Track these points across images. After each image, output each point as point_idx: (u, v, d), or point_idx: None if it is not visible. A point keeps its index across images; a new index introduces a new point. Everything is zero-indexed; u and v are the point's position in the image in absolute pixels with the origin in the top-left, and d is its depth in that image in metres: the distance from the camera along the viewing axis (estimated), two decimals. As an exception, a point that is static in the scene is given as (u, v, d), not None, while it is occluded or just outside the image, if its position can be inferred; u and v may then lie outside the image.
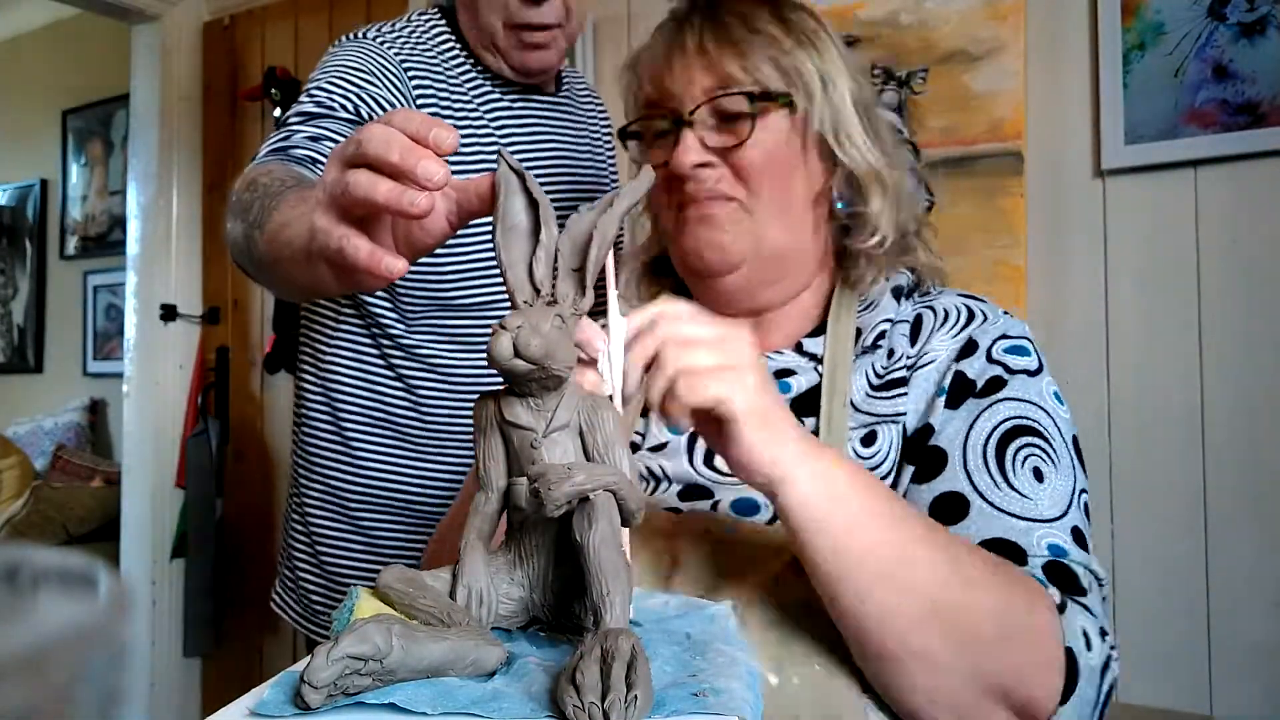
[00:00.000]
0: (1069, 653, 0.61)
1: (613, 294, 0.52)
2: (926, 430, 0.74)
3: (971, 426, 0.72)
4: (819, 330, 0.82)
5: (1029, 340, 0.79)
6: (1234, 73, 1.38)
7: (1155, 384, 1.43)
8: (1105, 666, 0.63)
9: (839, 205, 0.83)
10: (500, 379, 0.47)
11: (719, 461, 0.78)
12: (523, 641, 0.47)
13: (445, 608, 0.45)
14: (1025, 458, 0.71)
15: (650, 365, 0.57)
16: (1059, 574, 0.66)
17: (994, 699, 0.59)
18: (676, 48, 0.80)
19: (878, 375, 0.78)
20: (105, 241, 3.56)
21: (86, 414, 3.49)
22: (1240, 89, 1.37)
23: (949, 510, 0.69)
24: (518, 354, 0.44)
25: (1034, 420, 0.73)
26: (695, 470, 0.79)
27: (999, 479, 0.70)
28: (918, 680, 0.59)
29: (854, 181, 0.81)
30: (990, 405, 0.73)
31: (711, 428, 0.57)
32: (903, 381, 0.77)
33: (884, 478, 0.74)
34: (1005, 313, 0.81)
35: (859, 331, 0.80)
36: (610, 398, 0.52)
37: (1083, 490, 0.72)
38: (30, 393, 3.75)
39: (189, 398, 2.62)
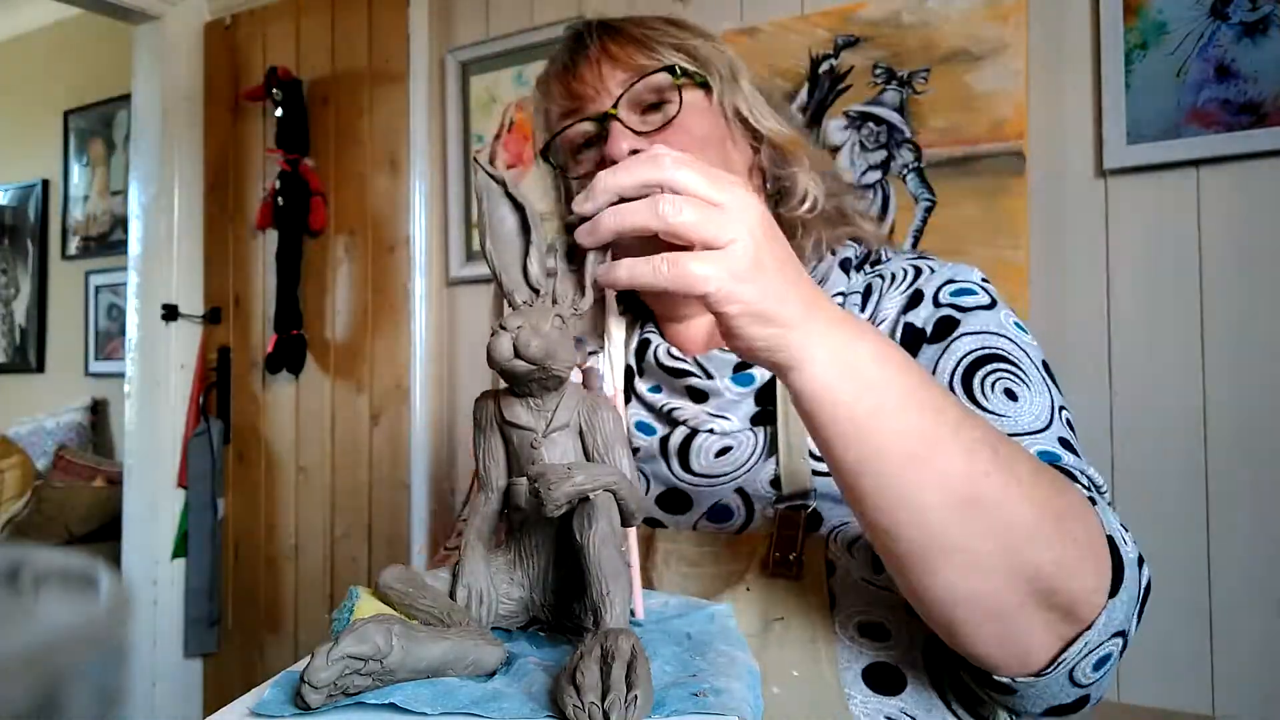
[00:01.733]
0: (1110, 542, 0.56)
1: (610, 293, 0.52)
2: None
3: (935, 369, 0.71)
4: None
5: (978, 283, 0.77)
6: (1236, 72, 1.38)
7: (1157, 384, 1.43)
8: (1140, 560, 0.59)
9: (766, 184, 0.84)
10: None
11: (695, 464, 0.78)
12: (522, 641, 0.47)
13: (445, 608, 0.45)
14: (994, 383, 0.68)
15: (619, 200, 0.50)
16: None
17: (1038, 599, 0.53)
18: (580, 56, 0.80)
19: None
20: (107, 241, 3.56)
21: (88, 414, 3.49)
22: (1243, 89, 1.37)
23: None
24: (518, 354, 0.44)
25: (996, 348, 0.71)
26: (674, 475, 0.79)
27: (970, 407, 0.66)
28: (956, 580, 0.52)
29: (777, 153, 0.82)
30: (948, 345, 0.71)
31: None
32: None
33: None
34: (957, 265, 0.81)
35: None
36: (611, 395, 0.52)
37: (1062, 407, 0.70)
38: (32, 392, 3.75)
39: (190, 398, 2.62)
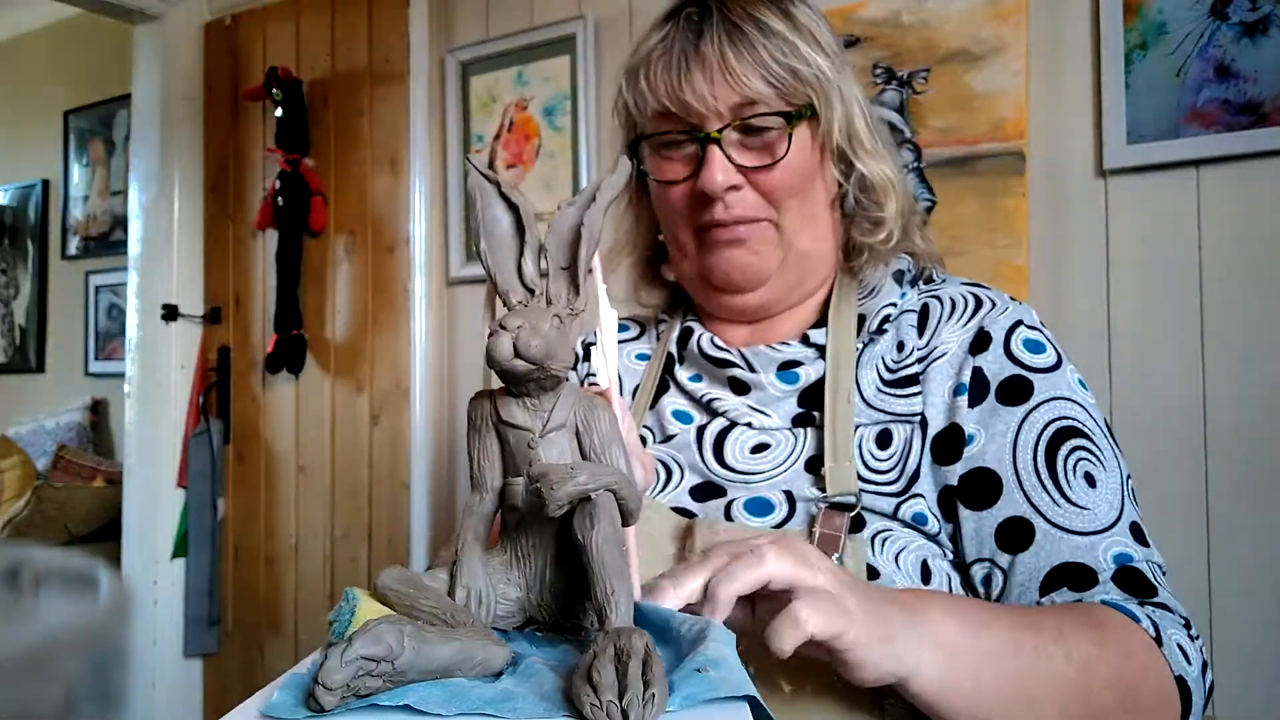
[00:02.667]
0: (1179, 680, 0.62)
1: (601, 286, 0.52)
2: (954, 431, 0.73)
3: (1016, 441, 0.72)
4: (823, 321, 0.82)
5: (1041, 330, 0.77)
6: (1236, 72, 1.38)
7: (1157, 384, 1.43)
8: (1204, 667, 0.65)
9: (849, 209, 0.83)
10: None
11: (729, 457, 0.78)
12: (522, 642, 0.47)
13: (447, 608, 0.45)
14: (1075, 464, 0.71)
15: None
16: (1130, 581, 0.67)
17: None
18: (695, 59, 0.75)
19: (889, 370, 0.77)
20: (107, 241, 3.56)
21: (88, 414, 3.49)
22: (1242, 88, 1.37)
23: (1014, 537, 0.70)
24: (518, 354, 0.44)
25: (1072, 419, 0.73)
26: (706, 465, 0.79)
27: (1056, 495, 0.70)
28: None
29: (868, 186, 0.81)
30: (1027, 414, 0.72)
31: (817, 647, 0.55)
32: (914, 379, 0.76)
33: (900, 477, 0.73)
34: (1011, 298, 0.80)
35: (862, 319, 0.80)
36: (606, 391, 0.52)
37: (1128, 477, 0.74)
38: (32, 392, 3.75)
39: (190, 398, 2.62)
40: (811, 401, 0.78)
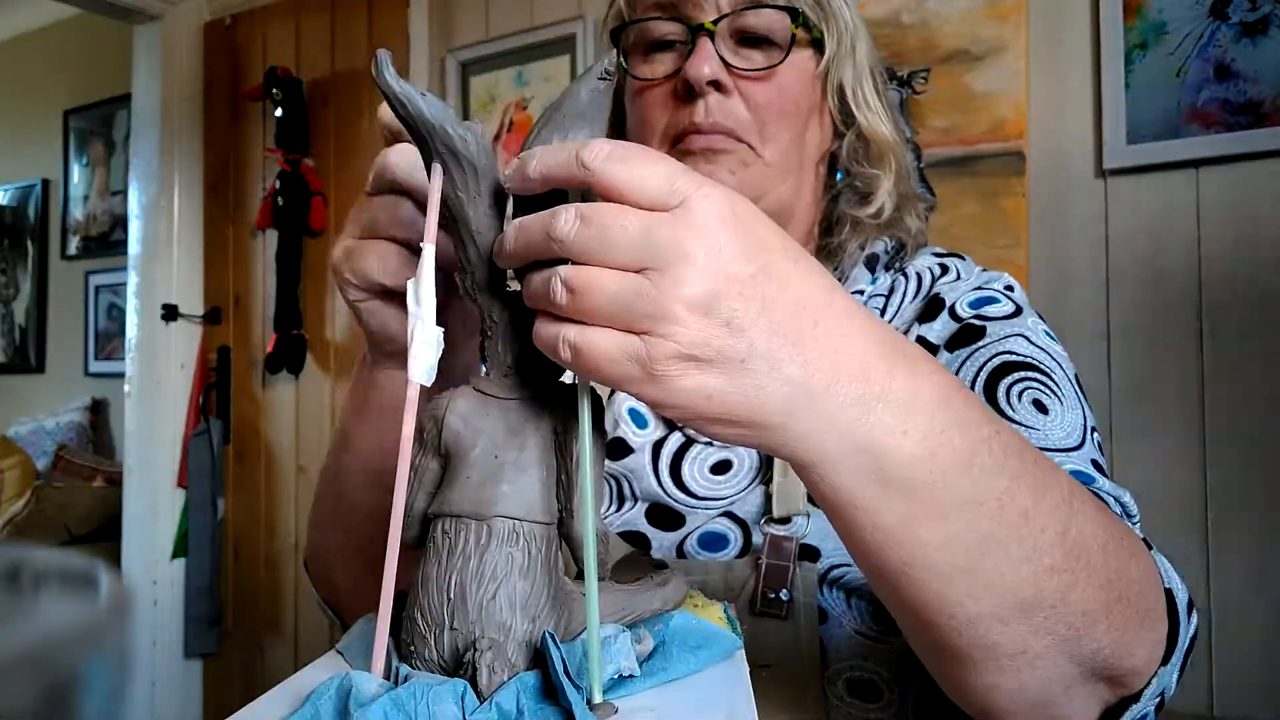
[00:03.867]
0: (1169, 595, 0.49)
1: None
2: None
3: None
4: None
5: (1003, 290, 0.70)
6: (1236, 72, 1.38)
7: (1157, 384, 1.43)
8: (1190, 606, 0.51)
9: (838, 175, 0.74)
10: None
11: (688, 478, 0.70)
12: None
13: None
14: (1021, 392, 0.61)
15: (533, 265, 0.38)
16: None
17: (1087, 678, 0.46)
18: None
19: None
20: (107, 241, 3.56)
21: (88, 414, 3.49)
22: (1242, 89, 1.37)
23: None
24: None
25: (1023, 355, 0.63)
26: (663, 489, 0.70)
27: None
28: (1002, 680, 0.44)
29: (864, 149, 0.72)
30: (970, 354, 0.64)
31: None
32: None
33: None
34: (986, 270, 0.73)
35: None
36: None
37: (1093, 428, 0.62)
38: (32, 392, 3.75)
39: (190, 397, 2.62)
40: None
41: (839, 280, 0.66)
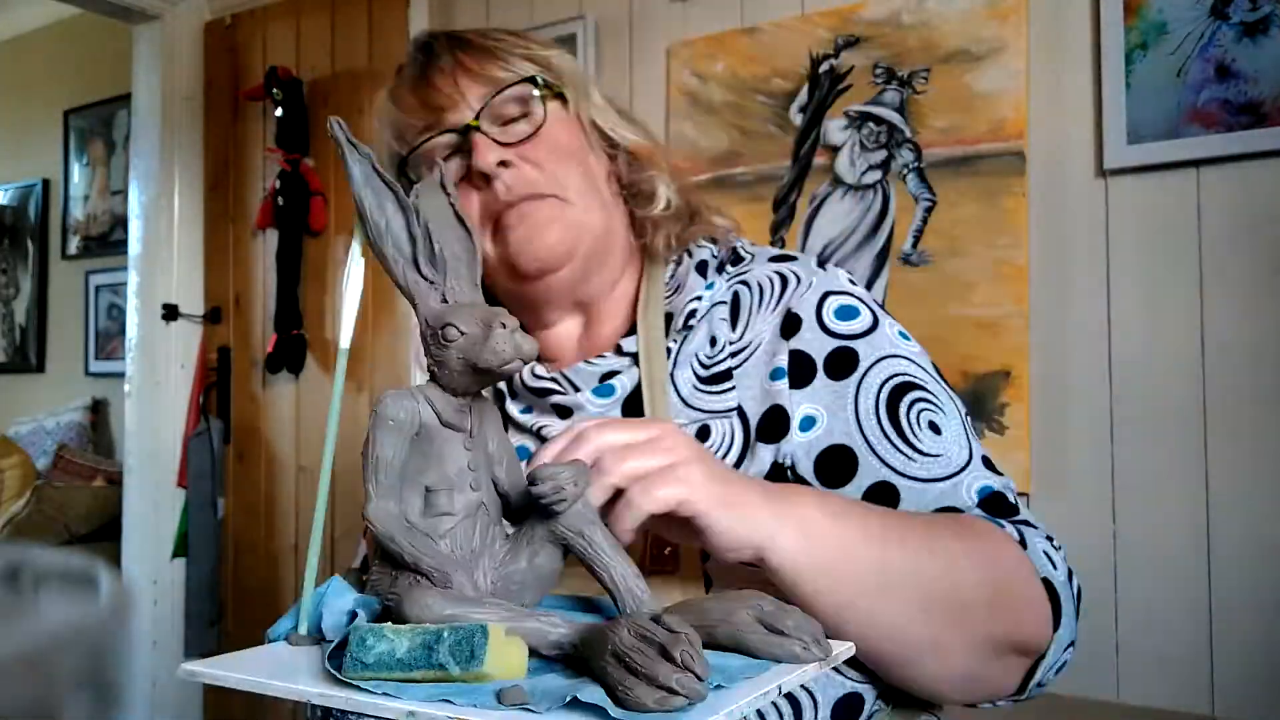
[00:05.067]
0: (1045, 582, 0.65)
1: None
2: (777, 412, 0.73)
3: (857, 410, 0.72)
4: (634, 329, 0.81)
5: (850, 293, 0.78)
6: (1236, 72, 1.38)
7: (1157, 384, 1.43)
8: (1070, 575, 0.68)
9: (626, 188, 0.85)
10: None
11: None
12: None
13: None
14: (918, 415, 0.72)
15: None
16: (993, 505, 0.69)
17: (998, 653, 0.64)
18: (432, 69, 0.80)
19: (703, 365, 0.77)
20: (107, 241, 3.56)
21: (88, 414, 3.49)
22: (1243, 89, 1.37)
23: (880, 502, 0.70)
24: (519, 355, 0.44)
25: (903, 374, 0.73)
26: None
27: (909, 451, 0.71)
28: (933, 669, 0.63)
29: (634, 160, 0.83)
30: (860, 382, 0.73)
31: (674, 526, 0.56)
32: (728, 375, 0.76)
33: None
34: (822, 265, 0.81)
35: (670, 317, 0.79)
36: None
37: (966, 415, 0.75)
38: (32, 392, 3.75)
39: (190, 397, 2.62)
40: (632, 411, 0.77)
41: (677, 291, 0.80)
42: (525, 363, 0.45)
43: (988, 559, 0.63)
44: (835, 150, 1.70)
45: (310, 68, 2.48)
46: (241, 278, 2.62)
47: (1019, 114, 1.53)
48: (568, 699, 0.36)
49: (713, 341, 0.77)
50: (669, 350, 0.78)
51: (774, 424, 0.73)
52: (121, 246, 2.93)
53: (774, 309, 0.77)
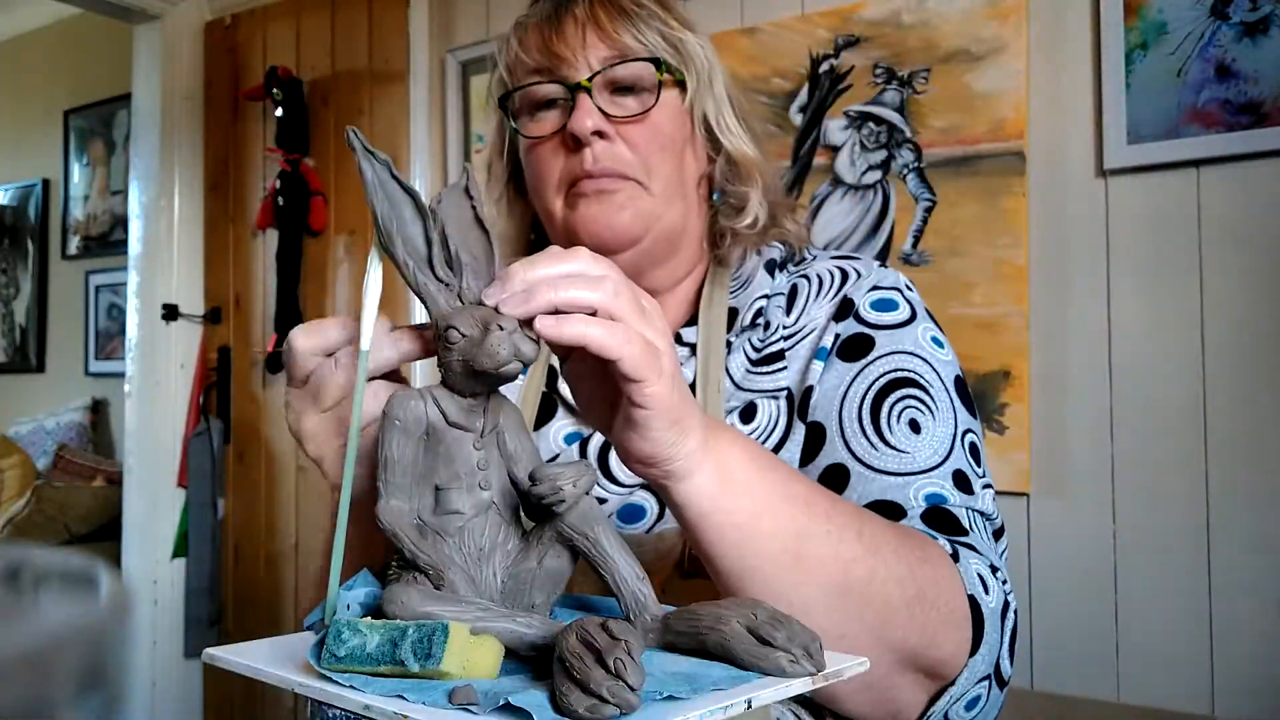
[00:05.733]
0: (972, 601, 0.61)
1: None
2: (806, 393, 0.74)
3: (846, 393, 0.72)
4: (695, 319, 0.81)
5: (900, 290, 0.78)
6: (1236, 72, 1.38)
7: (1157, 384, 1.43)
8: (1005, 608, 0.63)
9: (714, 195, 0.83)
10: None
11: (614, 469, 0.77)
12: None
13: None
14: (901, 412, 0.70)
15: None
16: (939, 520, 0.66)
17: (904, 666, 0.58)
18: (566, 13, 0.76)
19: (755, 349, 0.77)
20: (107, 241, 3.56)
21: (88, 413, 3.49)
22: (1243, 89, 1.37)
23: (831, 484, 0.69)
24: (521, 356, 0.44)
25: (909, 370, 0.72)
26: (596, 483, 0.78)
27: (875, 440, 0.70)
28: None
29: (734, 168, 0.81)
30: (862, 368, 0.72)
31: (605, 398, 0.51)
32: (780, 355, 0.76)
33: (764, 444, 0.73)
34: (881, 264, 0.80)
35: (734, 313, 0.79)
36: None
37: (967, 430, 0.72)
38: (32, 392, 3.75)
39: (190, 397, 2.62)
40: None
41: (743, 286, 0.80)
42: (525, 364, 0.45)
43: (914, 558, 0.58)
44: (835, 150, 1.70)
45: (310, 68, 2.48)
46: (241, 278, 2.62)
47: (1019, 114, 1.53)
48: (501, 702, 0.36)
49: (766, 325, 0.78)
50: (728, 344, 0.78)
51: (805, 403, 0.74)
52: (121, 246, 2.93)
53: (831, 298, 0.77)
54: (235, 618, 2.61)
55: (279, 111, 2.41)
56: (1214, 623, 1.37)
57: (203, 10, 2.69)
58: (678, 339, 0.79)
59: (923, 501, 0.67)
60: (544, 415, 0.84)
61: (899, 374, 0.72)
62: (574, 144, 0.75)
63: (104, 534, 2.92)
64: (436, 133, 2.25)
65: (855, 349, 0.73)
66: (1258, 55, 1.36)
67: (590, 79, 0.74)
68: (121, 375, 2.72)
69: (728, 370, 0.77)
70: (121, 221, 3.33)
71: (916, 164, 1.62)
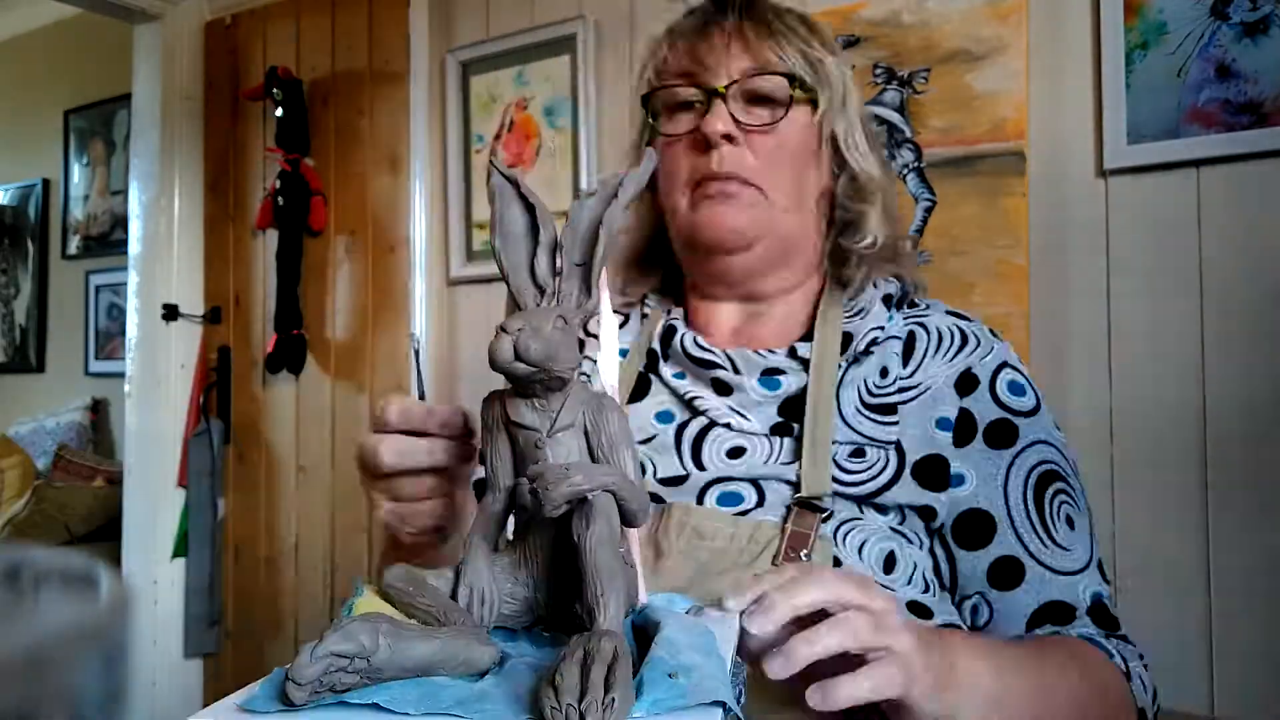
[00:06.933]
0: (1140, 713, 0.69)
1: (605, 285, 0.51)
2: (938, 461, 0.76)
3: (1007, 484, 0.76)
4: (809, 335, 0.83)
5: (1021, 370, 0.82)
6: (1237, 72, 1.38)
7: (1157, 384, 1.43)
8: (1154, 695, 0.72)
9: (837, 210, 0.86)
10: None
11: (706, 458, 0.80)
12: (524, 642, 0.47)
13: (443, 607, 0.45)
14: (1059, 507, 0.76)
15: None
16: (1101, 616, 0.75)
17: None
18: (714, 24, 0.82)
19: (871, 394, 0.79)
20: (107, 241, 3.56)
21: (88, 413, 3.49)
22: (1243, 88, 1.37)
23: (1006, 575, 0.75)
24: (518, 357, 0.44)
25: (1054, 463, 0.77)
26: (682, 462, 0.80)
27: (1045, 537, 0.75)
28: None
29: (855, 187, 0.85)
30: (1015, 458, 0.77)
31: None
32: (893, 409, 0.78)
33: (871, 483, 0.75)
34: (993, 332, 0.84)
35: (849, 337, 0.81)
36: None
37: (1093, 518, 0.80)
38: (32, 392, 3.75)
39: (191, 397, 2.62)
40: (790, 412, 0.79)
41: (859, 314, 0.82)
42: (532, 365, 0.45)
43: (1103, 694, 0.67)
44: (835, 150, 1.70)
45: (310, 68, 2.48)
46: (241, 278, 2.62)
47: (1019, 114, 1.53)
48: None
49: (884, 372, 0.80)
50: (840, 367, 0.80)
51: (933, 471, 0.76)
52: (121, 246, 2.93)
53: (950, 359, 0.80)
54: (235, 618, 2.61)
55: (279, 111, 2.41)
56: (1214, 623, 1.37)
57: (203, 10, 2.69)
58: (791, 352, 0.82)
59: (1089, 599, 0.74)
60: (639, 393, 0.87)
61: (1048, 466, 0.77)
62: (704, 145, 0.79)
63: (104, 534, 2.92)
64: (436, 133, 2.25)
65: (1001, 437, 0.77)
66: (1258, 55, 1.36)
67: (727, 86, 0.79)
68: (121, 375, 2.72)
69: (839, 400, 0.78)
70: (121, 221, 3.33)
71: (916, 164, 1.62)
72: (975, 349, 0.81)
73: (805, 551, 0.69)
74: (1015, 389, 0.79)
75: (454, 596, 0.46)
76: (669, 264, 0.93)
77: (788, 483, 0.75)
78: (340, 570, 2.41)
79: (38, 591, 0.20)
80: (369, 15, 2.37)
